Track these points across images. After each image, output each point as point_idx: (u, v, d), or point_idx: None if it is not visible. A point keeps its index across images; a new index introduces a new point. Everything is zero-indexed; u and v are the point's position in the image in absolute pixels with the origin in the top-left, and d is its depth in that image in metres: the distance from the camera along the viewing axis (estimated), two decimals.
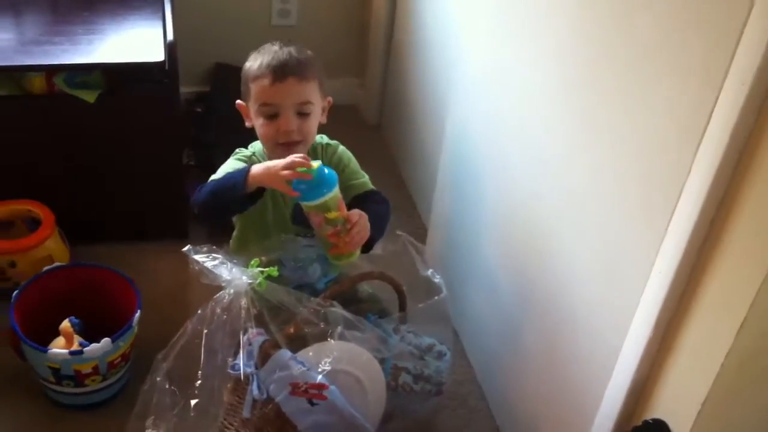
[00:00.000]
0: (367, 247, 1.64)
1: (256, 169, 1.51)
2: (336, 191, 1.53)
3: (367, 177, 1.74)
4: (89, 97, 1.96)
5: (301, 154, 1.51)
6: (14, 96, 1.97)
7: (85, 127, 2.02)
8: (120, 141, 2.07)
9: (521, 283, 1.70)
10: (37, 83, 1.97)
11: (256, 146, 1.71)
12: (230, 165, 1.66)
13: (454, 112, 2.00)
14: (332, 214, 1.53)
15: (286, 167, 1.48)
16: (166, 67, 1.98)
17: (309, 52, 1.65)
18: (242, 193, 1.52)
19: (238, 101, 1.67)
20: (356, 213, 1.57)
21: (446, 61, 2.14)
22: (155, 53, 1.99)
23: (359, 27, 2.71)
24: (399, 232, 1.70)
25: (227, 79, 2.60)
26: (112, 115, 2.02)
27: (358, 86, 2.79)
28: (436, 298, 1.71)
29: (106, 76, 2.02)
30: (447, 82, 2.08)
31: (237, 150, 1.72)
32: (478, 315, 1.93)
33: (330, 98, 1.68)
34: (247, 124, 1.68)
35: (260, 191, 1.55)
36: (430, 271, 1.71)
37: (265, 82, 1.58)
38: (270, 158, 1.66)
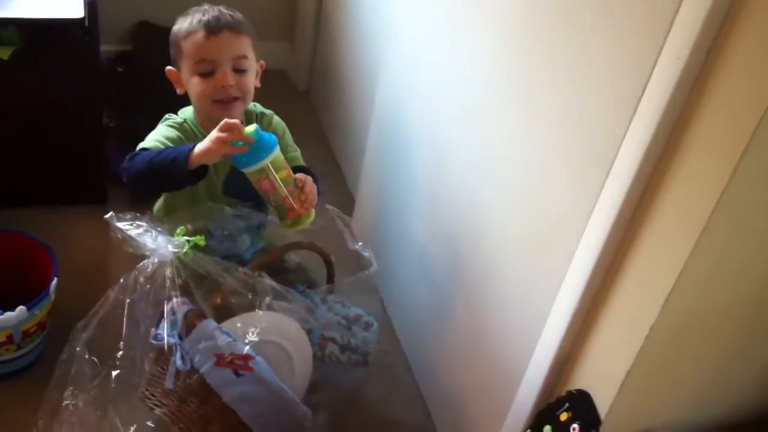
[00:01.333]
0: None
1: (199, 146, 1.45)
2: (278, 151, 1.49)
3: (299, 152, 1.72)
4: (3, 53, 1.87)
5: (235, 120, 1.47)
6: None
7: (1, 85, 1.93)
8: (37, 101, 1.98)
9: (450, 255, 1.71)
10: None
11: (187, 112, 1.65)
12: (161, 132, 1.60)
13: (384, 82, 1.98)
14: (283, 173, 1.50)
15: (223, 129, 1.44)
16: (86, 24, 1.90)
17: (237, 12, 1.61)
18: (184, 171, 1.46)
19: (168, 67, 1.61)
20: (302, 174, 1.55)
21: (378, 26, 2.11)
22: (74, 9, 1.90)
23: None
24: (327, 206, 1.68)
25: (151, 38, 2.52)
26: (28, 74, 1.94)
27: (288, 51, 2.74)
28: (366, 272, 1.71)
29: (22, 32, 1.92)
30: (379, 49, 2.06)
31: (167, 116, 1.66)
32: (405, 287, 1.94)
33: (262, 62, 1.65)
34: (179, 91, 1.62)
35: (203, 170, 1.50)
36: (359, 245, 1.70)
37: (199, 36, 1.54)
38: (205, 121, 1.61)
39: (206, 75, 1.56)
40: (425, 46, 1.76)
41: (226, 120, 1.45)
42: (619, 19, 1.12)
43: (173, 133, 1.60)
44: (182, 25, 1.58)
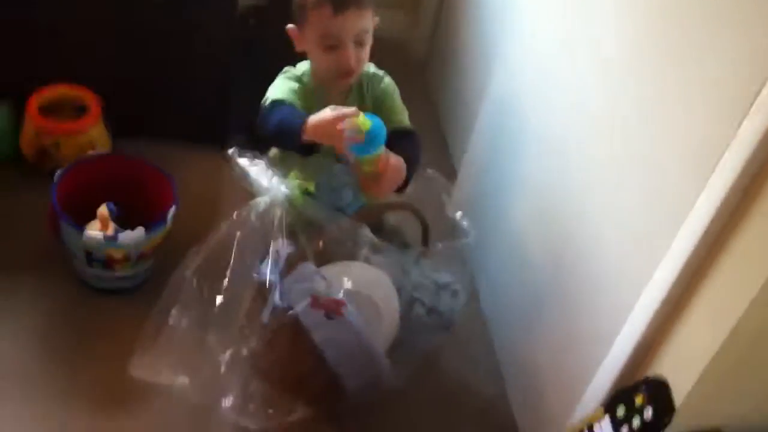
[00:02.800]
0: (398, 189, 1.67)
1: (311, 122, 1.52)
2: (381, 149, 1.54)
3: (406, 114, 1.76)
4: None
5: (351, 109, 1.51)
6: None
7: (145, 20, 2.04)
8: (175, 39, 2.08)
9: (545, 237, 1.74)
10: None
11: (305, 67, 1.73)
12: (281, 85, 1.68)
13: (501, 62, 2.01)
14: (367, 168, 1.56)
15: (341, 123, 1.48)
16: None
17: None
18: (299, 144, 1.54)
19: (289, 26, 1.68)
20: (393, 162, 1.58)
21: (501, 9, 2.14)
22: None
23: None
24: (429, 170, 1.73)
25: None
26: (172, 13, 2.04)
27: (409, 22, 2.79)
28: (461, 240, 1.75)
29: None
30: (499, 29, 2.09)
31: (286, 68, 1.74)
32: (497, 263, 1.97)
33: (377, 18, 1.68)
34: (298, 48, 1.69)
35: (315, 144, 1.56)
36: (459, 213, 1.74)
37: (326, 12, 1.59)
38: (321, 80, 1.69)
39: (329, 48, 1.62)
40: (545, 34, 1.78)
41: (342, 111, 1.50)
42: (731, 42, 1.13)
43: (294, 85, 1.68)
44: None
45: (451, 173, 2.28)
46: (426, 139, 1.78)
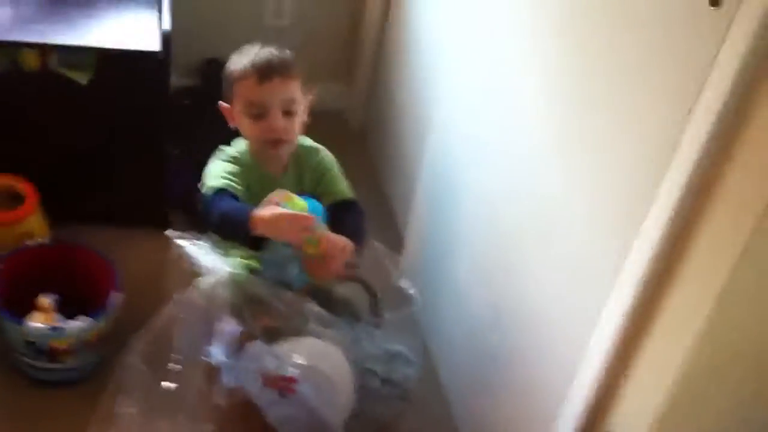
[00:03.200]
0: (346, 267, 1.65)
1: (258, 218, 1.51)
2: (321, 228, 1.56)
3: (346, 184, 1.77)
4: (81, 77, 1.99)
5: (283, 192, 1.54)
6: (8, 71, 1.99)
7: (75, 108, 2.05)
8: (108, 125, 2.09)
9: (489, 295, 1.76)
10: (32, 60, 1.99)
11: (240, 145, 1.73)
12: (217, 170, 1.68)
13: (436, 126, 2.05)
14: (311, 249, 1.56)
15: (290, 224, 1.51)
16: (160, 57, 2.01)
17: (287, 51, 1.68)
18: (247, 238, 1.54)
19: (221, 103, 1.70)
20: (337, 242, 1.57)
21: (433, 73, 2.19)
22: (151, 42, 2.01)
23: (350, 32, 2.75)
24: (375, 243, 1.74)
25: (217, 75, 2.62)
26: (102, 99, 2.05)
27: (345, 92, 2.83)
28: (409, 309, 1.75)
29: (100, 60, 2.04)
30: (432, 95, 2.14)
31: (220, 148, 1.74)
32: (448, 326, 1.98)
33: (311, 96, 1.71)
34: (231, 124, 1.71)
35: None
36: (404, 282, 1.75)
37: (251, 81, 1.62)
38: (256, 156, 1.70)
39: (257, 117, 1.64)
40: (476, 95, 1.83)
41: (274, 197, 1.52)
42: (663, 63, 1.18)
43: (231, 167, 1.68)
44: (235, 66, 1.66)
45: (398, 239, 2.30)
46: (370, 207, 1.80)
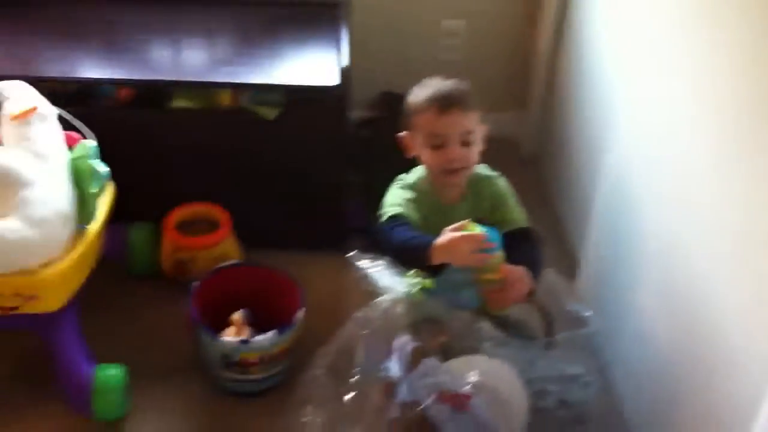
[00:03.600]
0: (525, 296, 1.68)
1: (439, 243, 1.57)
2: (497, 255, 1.59)
3: (523, 214, 1.80)
4: (269, 114, 2.13)
5: (459, 224, 1.58)
6: (204, 109, 2.17)
7: (263, 141, 2.18)
8: (292, 156, 2.21)
9: (674, 324, 1.70)
10: (225, 98, 2.16)
11: (418, 173, 1.80)
12: (398, 194, 1.76)
13: (612, 147, 2.02)
14: (488, 276, 1.60)
15: (468, 246, 1.56)
16: (340, 91, 2.12)
17: (465, 83, 1.74)
18: (425, 264, 1.61)
19: (401, 133, 1.77)
20: (518, 271, 1.61)
21: (608, 95, 2.17)
22: (331, 77, 2.13)
23: (522, 61, 2.78)
24: (548, 269, 1.75)
25: (393, 106, 2.73)
26: (287, 132, 2.17)
27: (518, 120, 2.85)
28: (584, 330, 1.74)
29: (286, 96, 2.18)
30: (608, 116, 2.11)
31: (399, 177, 1.82)
32: (628, 352, 1.93)
33: (486, 126, 1.76)
34: (409, 154, 1.78)
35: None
36: (579, 305, 1.74)
37: (431, 114, 1.69)
38: (433, 185, 1.76)
39: (436, 148, 1.70)
40: (655, 118, 1.79)
41: (452, 228, 1.57)
42: None
43: (409, 194, 1.76)
44: (416, 98, 1.73)
45: (573, 263, 2.27)
46: (544, 231, 1.82)
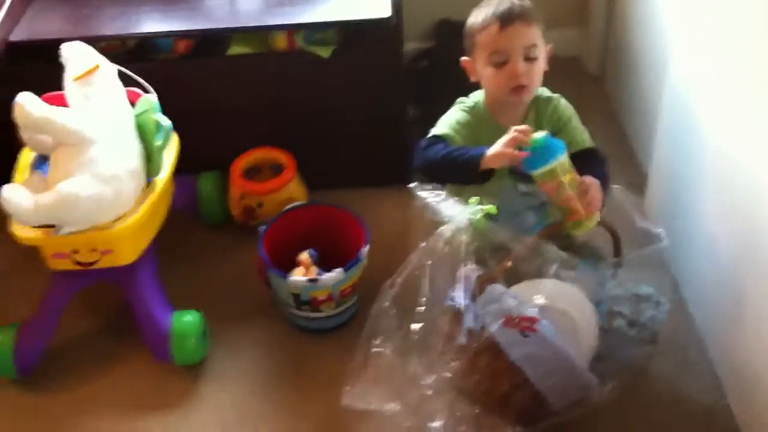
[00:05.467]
0: None
1: (489, 153, 1.60)
2: (564, 157, 1.58)
3: (587, 134, 1.77)
4: (325, 52, 2.12)
5: (524, 126, 1.58)
6: (261, 53, 2.18)
7: (320, 81, 2.19)
8: (350, 94, 2.21)
9: (742, 234, 1.66)
10: (281, 41, 2.17)
11: (478, 96, 1.79)
12: (454, 116, 1.75)
13: (676, 60, 1.95)
14: (568, 177, 1.58)
15: (508, 144, 1.57)
16: (393, 22, 2.09)
17: (527, 1, 1.71)
18: (475, 172, 1.62)
19: (463, 58, 1.75)
20: (588, 177, 1.61)
21: (669, 11, 2.09)
22: (383, 10, 2.10)
23: None
24: (614, 186, 1.72)
25: (450, 35, 2.69)
26: (343, 70, 2.17)
27: (580, 37, 2.77)
28: (654, 246, 1.71)
29: (340, 33, 2.17)
30: (671, 28, 2.04)
31: (459, 99, 1.81)
32: (700, 266, 1.89)
33: (550, 45, 1.73)
34: (472, 78, 1.76)
35: (491, 171, 1.63)
36: (647, 222, 1.71)
37: (493, 29, 1.66)
38: (492, 108, 1.74)
39: (499, 65, 1.68)
40: (719, 27, 1.72)
41: (514, 128, 1.58)
42: None
43: (464, 117, 1.75)
44: (477, 18, 1.71)
45: (641, 178, 2.23)
46: (611, 148, 1.78)
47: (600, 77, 2.74)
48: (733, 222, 1.69)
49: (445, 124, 1.74)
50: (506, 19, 1.66)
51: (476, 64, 1.73)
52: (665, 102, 2.02)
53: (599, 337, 1.67)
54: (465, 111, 1.77)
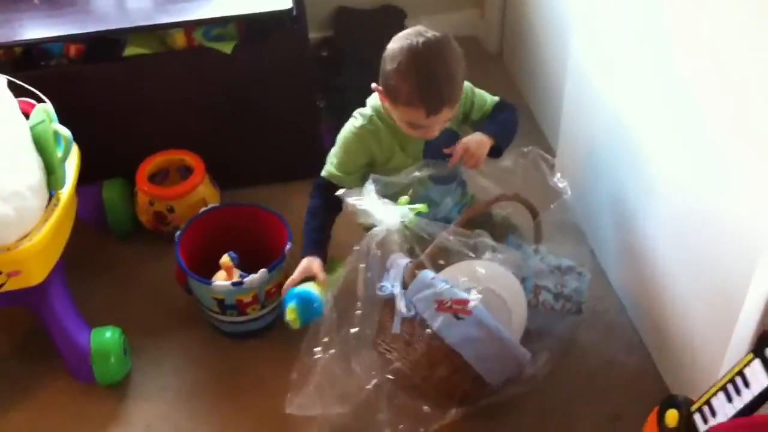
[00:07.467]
0: (496, 153, 1.76)
1: (303, 260, 1.70)
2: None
3: (489, 96, 1.82)
4: (226, 48, 2.06)
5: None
6: (159, 53, 2.09)
7: (224, 78, 2.13)
8: (256, 88, 2.16)
9: (652, 195, 1.71)
10: (179, 39, 2.09)
11: (376, 104, 1.74)
12: (345, 143, 1.74)
13: (577, 37, 1.99)
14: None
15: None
16: (294, 14, 2.05)
17: (457, 48, 1.63)
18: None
19: (375, 85, 1.67)
20: (468, 138, 1.71)
21: None
22: (283, 2, 2.06)
23: None
24: (529, 147, 1.78)
25: (349, 22, 2.67)
26: (248, 64, 2.11)
27: (478, 17, 2.80)
28: (561, 199, 1.79)
29: (240, 28, 2.11)
30: (572, 7, 2.07)
31: (355, 112, 1.77)
32: (613, 232, 1.94)
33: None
34: (381, 101, 1.70)
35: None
36: (556, 177, 1.78)
37: (419, 114, 1.60)
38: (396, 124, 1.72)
39: (415, 126, 1.65)
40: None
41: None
42: None
43: (356, 140, 1.73)
44: (401, 77, 1.58)
45: (550, 152, 2.26)
46: (521, 128, 1.82)
47: (499, 55, 2.77)
48: (642, 184, 1.74)
49: (337, 160, 1.74)
50: (434, 109, 1.59)
51: (388, 105, 1.67)
52: (569, 77, 2.05)
53: (529, 315, 1.70)
54: (358, 129, 1.73)
